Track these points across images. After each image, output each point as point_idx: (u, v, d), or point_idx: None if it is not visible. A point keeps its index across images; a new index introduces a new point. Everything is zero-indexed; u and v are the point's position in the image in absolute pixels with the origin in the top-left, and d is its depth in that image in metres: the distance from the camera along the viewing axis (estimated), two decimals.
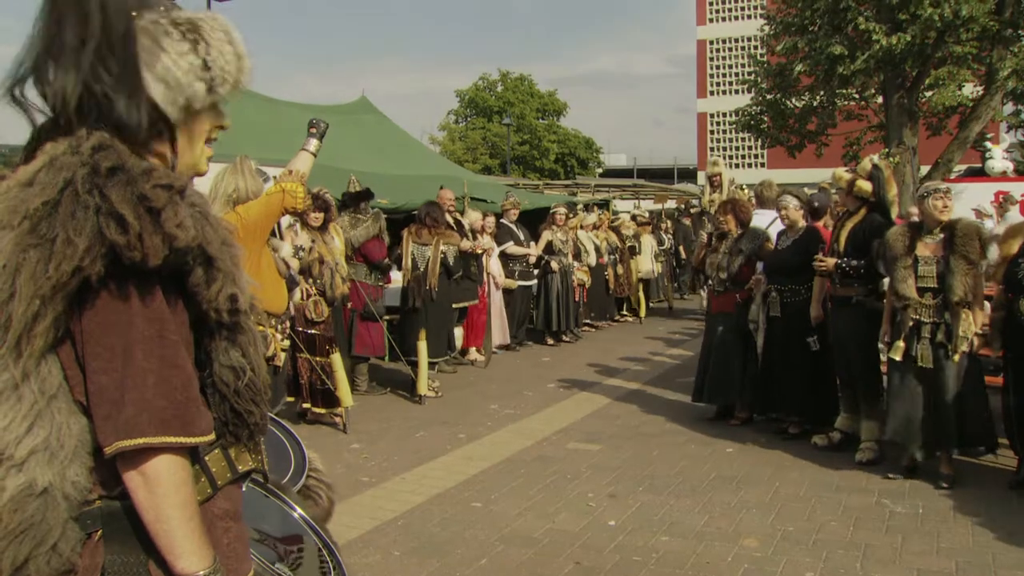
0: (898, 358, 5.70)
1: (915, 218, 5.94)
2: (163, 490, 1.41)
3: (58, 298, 1.35)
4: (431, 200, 9.23)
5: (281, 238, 5.60)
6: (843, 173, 6.41)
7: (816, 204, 7.28)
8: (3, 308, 1.36)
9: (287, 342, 5.36)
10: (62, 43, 1.43)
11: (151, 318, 1.39)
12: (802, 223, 7.08)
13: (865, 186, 6.22)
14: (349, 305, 7.93)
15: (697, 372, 7.67)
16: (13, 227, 1.36)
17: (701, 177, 36.85)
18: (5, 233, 1.36)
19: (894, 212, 6.34)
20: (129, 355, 1.37)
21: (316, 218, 7.15)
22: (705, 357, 7.57)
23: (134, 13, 1.48)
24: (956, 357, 5.49)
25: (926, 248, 5.66)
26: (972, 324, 5.50)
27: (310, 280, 7.01)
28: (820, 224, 7.13)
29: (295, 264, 5.86)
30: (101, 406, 1.39)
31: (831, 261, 6.21)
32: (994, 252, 5.55)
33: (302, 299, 6.90)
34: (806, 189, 7.49)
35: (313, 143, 4.44)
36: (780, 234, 7.18)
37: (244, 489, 1.68)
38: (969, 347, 5.51)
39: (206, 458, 1.54)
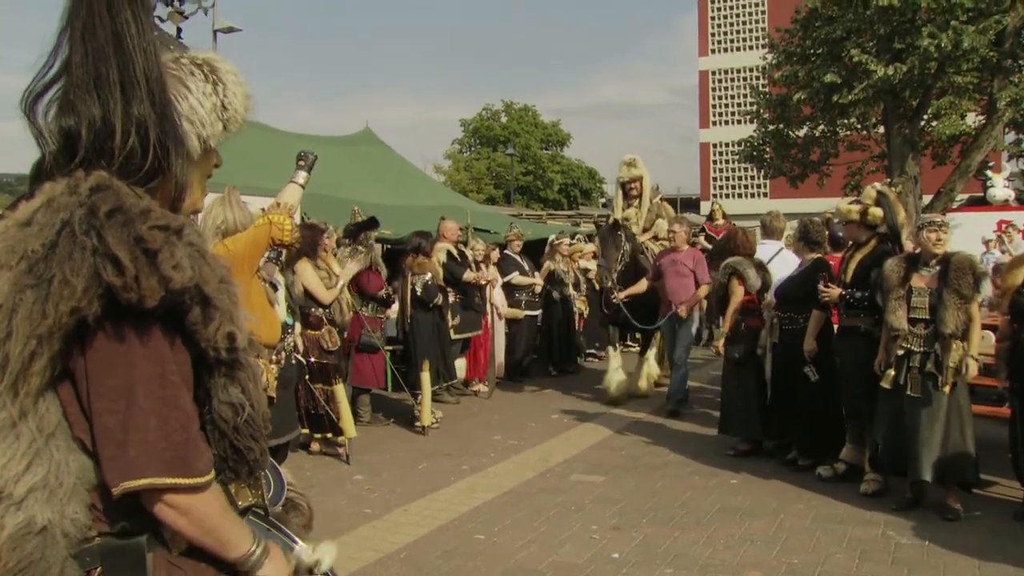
0: (887, 386, 5.70)
1: (917, 250, 5.94)
2: (201, 510, 1.46)
3: (55, 338, 1.36)
4: (420, 231, 9.16)
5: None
6: (850, 206, 6.36)
7: (841, 234, 7.25)
8: (0, 348, 1.36)
9: (276, 369, 5.33)
10: (98, 74, 1.43)
11: (152, 358, 1.40)
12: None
13: (877, 212, 6.20)
14: (345, 335, 7.92)
15: None
16: (11, 267, 1.37)
17: (704, 207, 36.83)
18: (2, 273, 1.37)
19: (905, 234, 6.32)
20: (131, 396, 1.38)
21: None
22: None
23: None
24: (947, 388, 5.47)
25: (921, 280, 5.67)
26: (961, 355, 5.48)
27: (321, 311, 7.02)
28: (838, 256, 7.05)
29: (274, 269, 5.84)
30: (107, 447, 1.39)
31: (836, 291, 6.20)
32: (987, 287, 5.52)
33: (316, 330, 6.92)
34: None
35: (301, 175, 4.45)
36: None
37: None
38: (958, 379, 5.49)
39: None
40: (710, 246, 12.90)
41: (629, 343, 12.82)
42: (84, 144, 1.43)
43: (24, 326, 1.34)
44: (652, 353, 10.27)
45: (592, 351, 13.41)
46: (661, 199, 10.88)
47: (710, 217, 14.96)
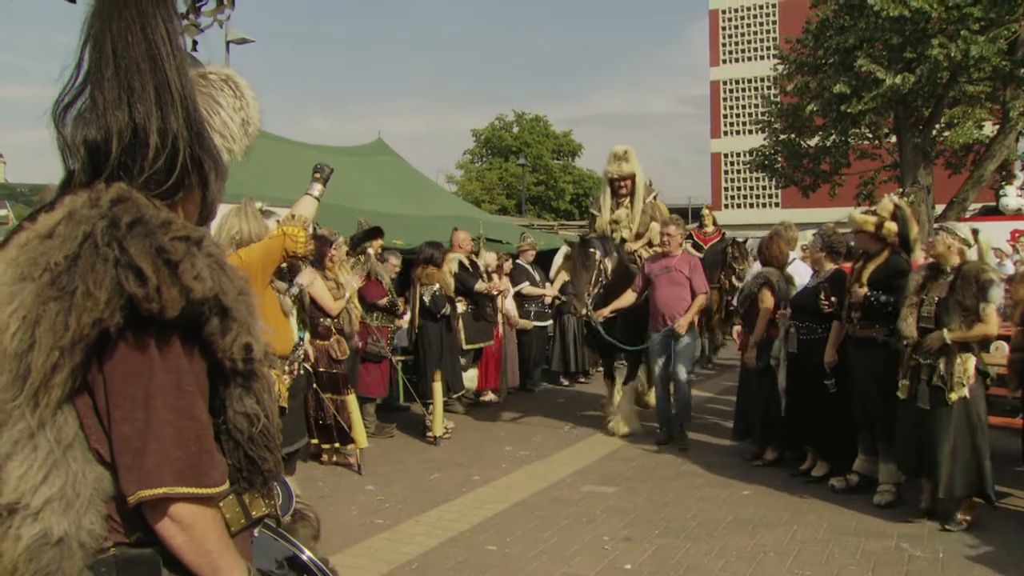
0: (902, 396, 5.67)
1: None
2: (201, 530, 1.45)
3: (77, 349, 1.37)
4: (431, 241, 9.17)
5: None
6: (866, 216, 6.29)
7: (852, 243, 7.18)
8: (22, 359, 1.37)
9: (289, 380, 5.35)
10: (132, 89, 1.45)
11: (168, 368, 1.42)
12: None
13: (892, 227, 6.15)
14: (360, 345, 7.94)
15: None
16: (34, 279, 1.38)
17: (717, 217, 36.61)
18: (25, 285, 1.38)
19: (917, 250, 6.28)
20: (150, 405, 1.40)
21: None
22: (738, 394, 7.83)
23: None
24: (953, 395, 5.43)
25: (935, 289, 5.63)
26: (969, 368, 5.45)
27: (330, 320, 7.04)
28: (847, 266, 6.99)
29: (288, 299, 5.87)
30: (124, 455, 1.41)
31: (862, 291, 6.12)
32: (997, 294, 5.47)
33: (324, 339, 6.95)
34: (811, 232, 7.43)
35: (317, 188, 4.49)
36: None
37: (256, 533, 1.69)
38: (970, 392, 5.46)
39: (220, 504, 1.55)
40: (699, 254, 12.77)
41: None
42: (113, 157, 1.45)
43: (47, 337, 1.36)
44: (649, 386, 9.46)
45: None
46: (655, 198, 9.41)
47: (700, 224, 14.72)
